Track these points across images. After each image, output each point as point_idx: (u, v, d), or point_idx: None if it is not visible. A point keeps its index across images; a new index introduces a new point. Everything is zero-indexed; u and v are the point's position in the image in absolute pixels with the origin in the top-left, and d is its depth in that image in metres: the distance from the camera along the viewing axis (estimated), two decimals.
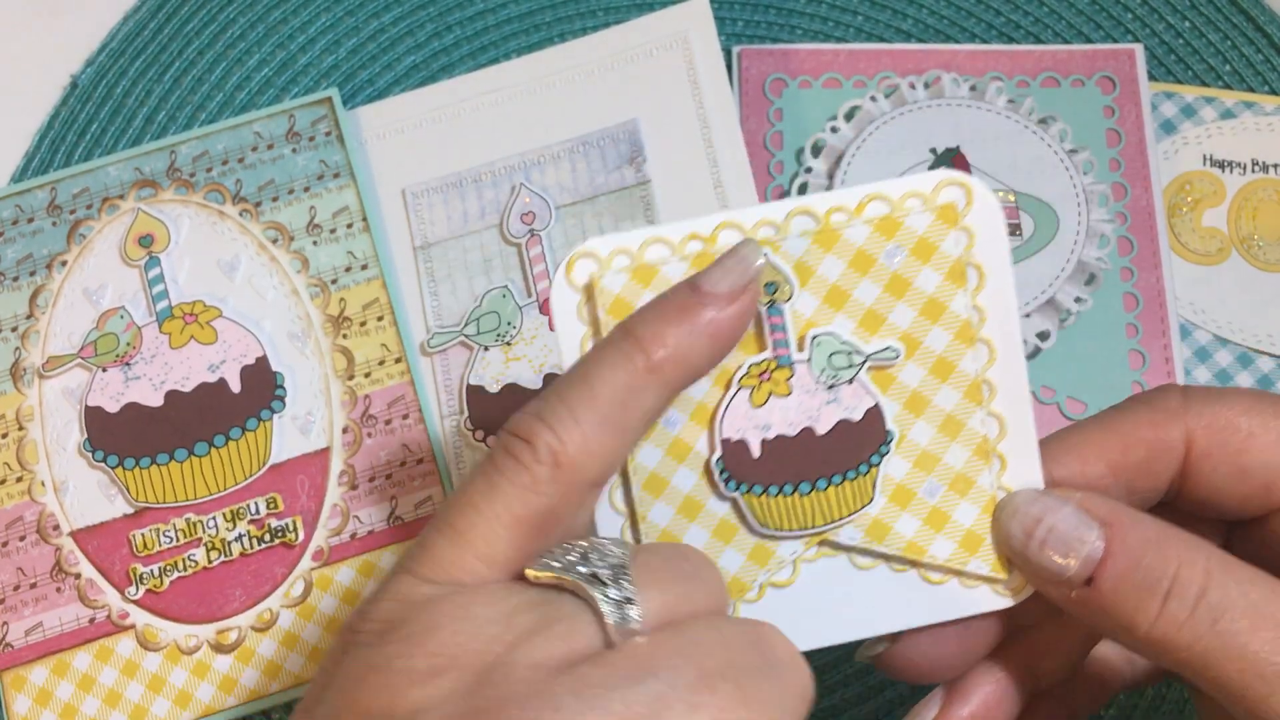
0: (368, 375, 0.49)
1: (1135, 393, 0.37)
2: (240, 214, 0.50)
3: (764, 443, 0.31)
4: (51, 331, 0.50)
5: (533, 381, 0.49)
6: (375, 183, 0.51)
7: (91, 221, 0.51)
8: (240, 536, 0.48)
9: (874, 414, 0.31)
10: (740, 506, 0.32)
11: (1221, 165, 0.51)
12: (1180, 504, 0.32)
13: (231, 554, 0.48)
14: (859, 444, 0.31)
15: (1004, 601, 0.32)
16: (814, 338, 0.31)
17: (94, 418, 0.49)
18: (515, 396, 0.48)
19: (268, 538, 0.48)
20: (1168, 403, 0.32)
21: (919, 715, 0.34)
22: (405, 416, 0.49)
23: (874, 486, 0.32)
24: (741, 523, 0.32)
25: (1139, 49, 0.52)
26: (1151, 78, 0.53)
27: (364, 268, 0.50)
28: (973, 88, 0.52)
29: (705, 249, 0.31)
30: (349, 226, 0.50)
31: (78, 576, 0.48)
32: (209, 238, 0.50)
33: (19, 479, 0.49)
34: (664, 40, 0.52)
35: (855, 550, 0.32)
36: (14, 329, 0.50)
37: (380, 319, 0.49)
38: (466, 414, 0.49)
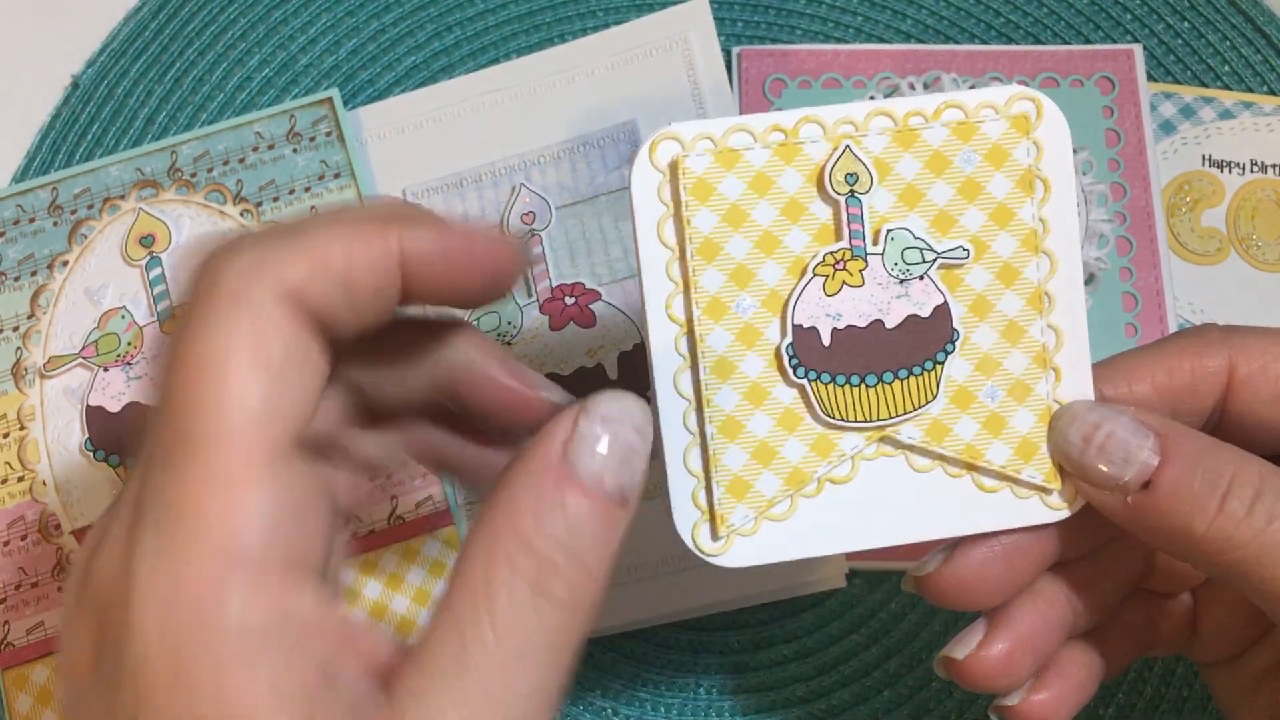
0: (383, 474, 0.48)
1: None
2: (241, 214, 0.50)
3: (834, 332, 0.32)
4: (53, 331, 0.50)
5: None
6: (376, 183, 0.51)
7: (93, 221, 0.51)
8: None
9: (941, 312, 0.32)
10: (808, 394, 0.32)
11: (1220, 165, 0.51)
12: (1222, 432, 0.33)
13: None
14: (926, 340, 0.32)
15: (1056, 514, 0.33)
16: (888, 232, 0.32)
17: (95, 417, 0.49)
18: None
19: None
20: (1210, 334, 0.33)
21: (963, 641, 0.34)
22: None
23: (938, 385, 0.32)
24: (807, 411, 0.32)
25: (1138, 49, 0.52)
26: (1150, 78, 0.53)
27: None
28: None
29: (787, 140, 0.32)
30: None
31: None
32: (210, 238, 0.50)
33: (20, 478, 0.49)
34: (664, 41, 0.52)
35: (914, 450, 0.32)
36: (15, 329, 0.50)
37: None
38: None
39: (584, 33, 0.54)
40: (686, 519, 0.32)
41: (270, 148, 0.51)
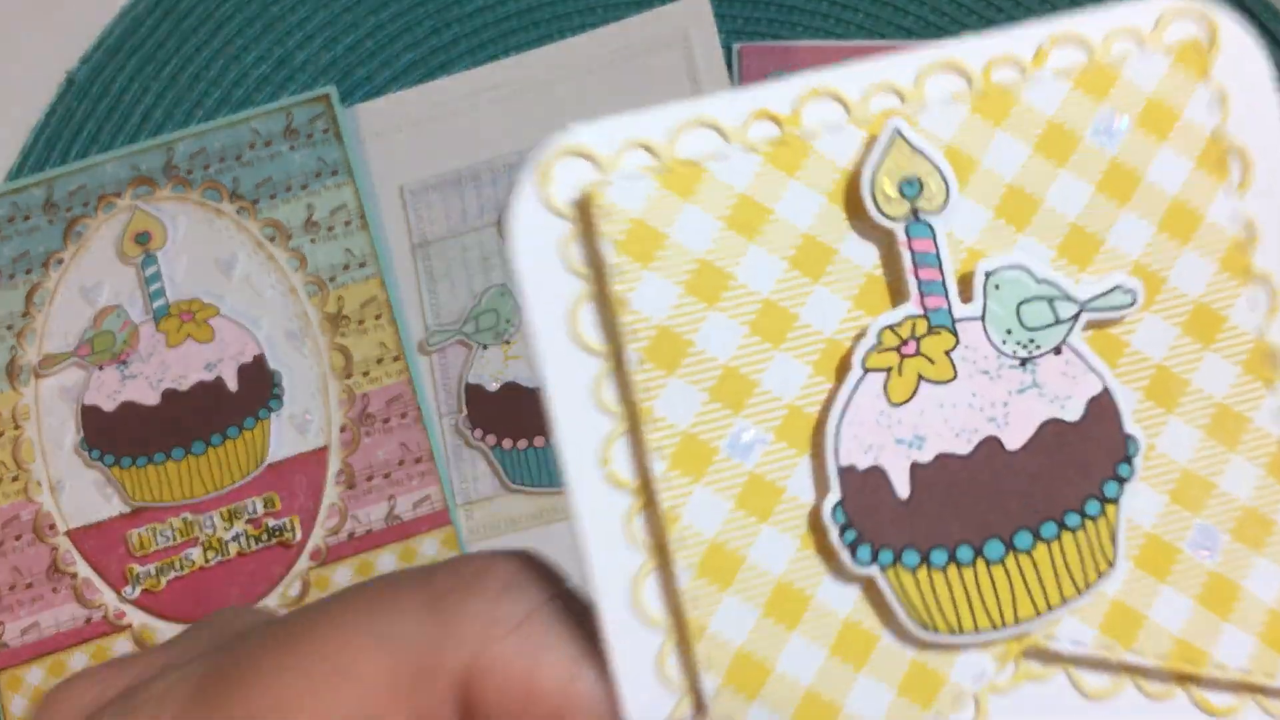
0: (366, 374, 0.49)
1: None
2: (238, 212, 0.50)
3: (915, 469, 0.17)
4: (48, 330, 0.50)
5: (532, 380, 0.47)
6: (373, 180, 0.51)
7: (88, 219, 0.51)
8: (237, 536, 0.48)
9: (1102, 407, 0.18)
10: (882, 591, 0.17)
11: None
12: None
13: (229, 553, 0.48)
14: (1081, 464, 0.18)
15: None
16: (989, 276, 0.17)
17: (90, 417, 0.49)
18: (514, 395, 0.48)
19: (265, 537, 0.48)
20: None
21: None
22: (404, 415, 0.49)
23: (1114, 541, 0.18)
24: (884, 624, 0.17)
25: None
26: None
27: (362, 265, 0.49)
28: None
29: (786, 134, 0.17)
30: (347, 224, 0.50)
31: (74, 576, 0.48)
32: (206, 236, 0.50)
33: (15, 478, 0.49)
34: (664, 38, 0.51)
35: (1084, 662, 0.18)
36: (10, 327, 0.50)
37: (378, 317, 0.49)
38: (465, 413, 0.48)
39: (583, 29, 0.53)
40: None
41: (267, 145, 0.51)
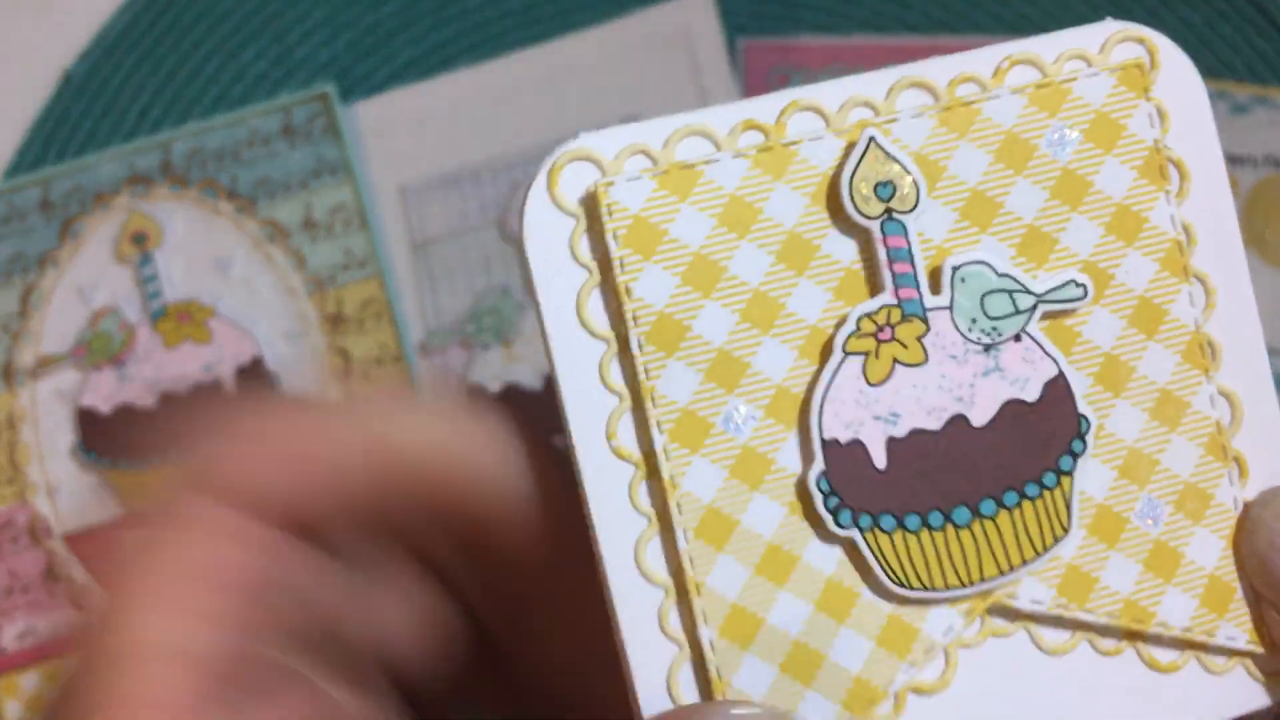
0: (365, 375, 0.49)
1: None
2: (236, 211, 0.50)
3: (892, 443, 0.19)
4: (44, 331, 0.49)
5: (533, 382, 0.48)
6: (373, 179, 0.50)
7: (84, 219, 0.50)
8: None
9: (1058, 389, 0.20)
10: (862, 553, 0.19)
11: (1234, 161, 0.49)
12: None
13: None
14: (1040, 440, 0.20)
15: (1276, 690, 0.20)
16: (956, 270, 0.19)
17: (87, 419, 0.48)
18: (516, 396, 0.47)
19: None
20: None
21: None
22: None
23: (1069, 510, 0.20)
24: (864, 581, 0.19)
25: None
26: None
27: (361, 265, 0.49)
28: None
29: (771, 141, 0.19)
30: (346, 223, 0.49)
31: (70, 581, 0.48)
32: (203, 235, 0.49)
33: (10, 481, 0.49)
34: (666, 34, 0.51)
35: (1043, 620, 0.20)
36: (5, 328, 0.49)
37: (378, 317, 0.49)
38: None
39: (585, 26, 0.52)
40: None
41: (265, 143, 0.50)
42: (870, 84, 0.20)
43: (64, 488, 0.49)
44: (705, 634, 0.19)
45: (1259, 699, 0.20)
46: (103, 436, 0.48)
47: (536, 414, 0.21)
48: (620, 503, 0.19)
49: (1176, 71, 0.21)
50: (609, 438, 0.19)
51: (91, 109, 0.54)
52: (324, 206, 0.50)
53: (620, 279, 0.19)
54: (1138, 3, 0.52)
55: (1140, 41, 0.21)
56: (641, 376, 0.19)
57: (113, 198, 0.50)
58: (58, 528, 0.48)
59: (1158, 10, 0.52)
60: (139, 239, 0.50)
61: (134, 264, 0.50)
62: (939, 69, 0.20)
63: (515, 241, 0.20)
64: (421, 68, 0.53)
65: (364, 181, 0.50)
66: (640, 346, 0.19)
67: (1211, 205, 0.21)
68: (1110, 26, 0.21)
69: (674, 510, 0.19)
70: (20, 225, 0.51)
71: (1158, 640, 0.20)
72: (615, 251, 0.19)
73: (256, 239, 0.50)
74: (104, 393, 0.49)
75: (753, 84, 0.51)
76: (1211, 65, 0.51)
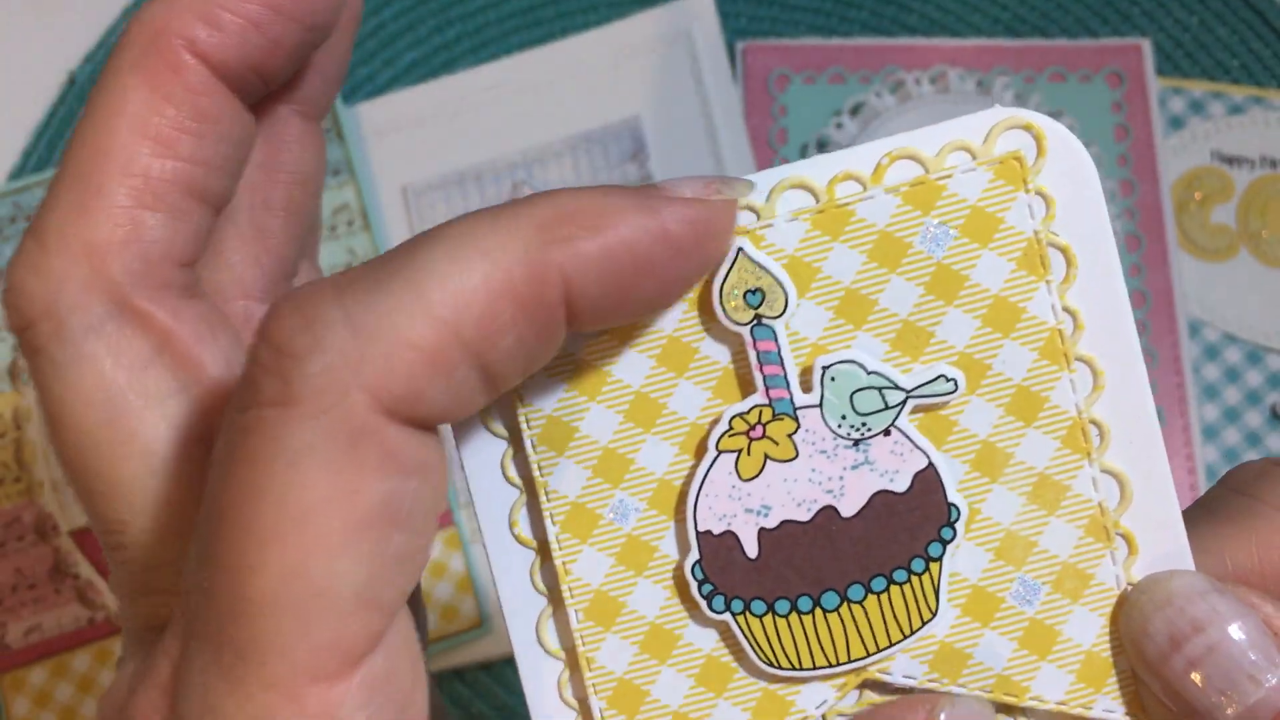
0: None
1: None
2: None
3: (763, 534, 0.21)
4: None
5: None
6: (376, 180, 0.51)
7: None
8: None
9: (927, 479, 0.21)
10: (735, 634, 0.21)
11: (1230, 161, 0.51)
12: None
13: None
14: (908, 528, 0.21)
15: None
16: (825, 369, 0.21)
17: None
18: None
19: None
20: None
21: None
22: None
23: (936, 593, 0.21)
24: (739, 660, 0.21)
25: (1146, 44, 0.52)
26: (1159, 73, 0.52)
27: None
28: (979, 83, 0.51)
29: None
30: (349, 224, 0.50)
31: (76, 577, 0.48)
32: None
33: (17, 479, 0.49)
34: (667, 36, 0.51)
35: (915, 692, 0.21)
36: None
37: None
38: None
39: (586, 28, 0.53)
40: None
41: None
42: (754, 185, 0.21)
43: (70, 485, 0.47)
44: (595, 704, 0.21)
45: None
46: None
47: None
48: (523, 583, 0.21)
49: (1064, 156, 0.21)
50: (511, 525, 0.21)
51: None
52: (328, 207, 0.50)
53: (519, 393, 0.21)
54: (1135, 5, 0.52)
55: (1027, 129, 0.21)
56: (535, 473, 0.21)
57: None
58: (64, 525, 0.49)
59: (1154, 13, 0.53)
60: None
61: None
62: (819, 168, 0.21)
63: None
64: (424, 69, 0.54)
65: (367, 182, 0.51)
66: (534, 447, 0.21)
67: (1101, 287, 0.21)
68: (997, 114, 0.21)
69: (566, 593, 0.21)
70: (25, 226, 0.48)
71: (1034, 714, 0.21)
72: None
73: None
74: None
75: (752, 85, 0.52)
76: (1209, 67, 0.52)
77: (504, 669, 0.47)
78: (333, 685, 0.17)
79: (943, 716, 0.20)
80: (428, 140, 0.51)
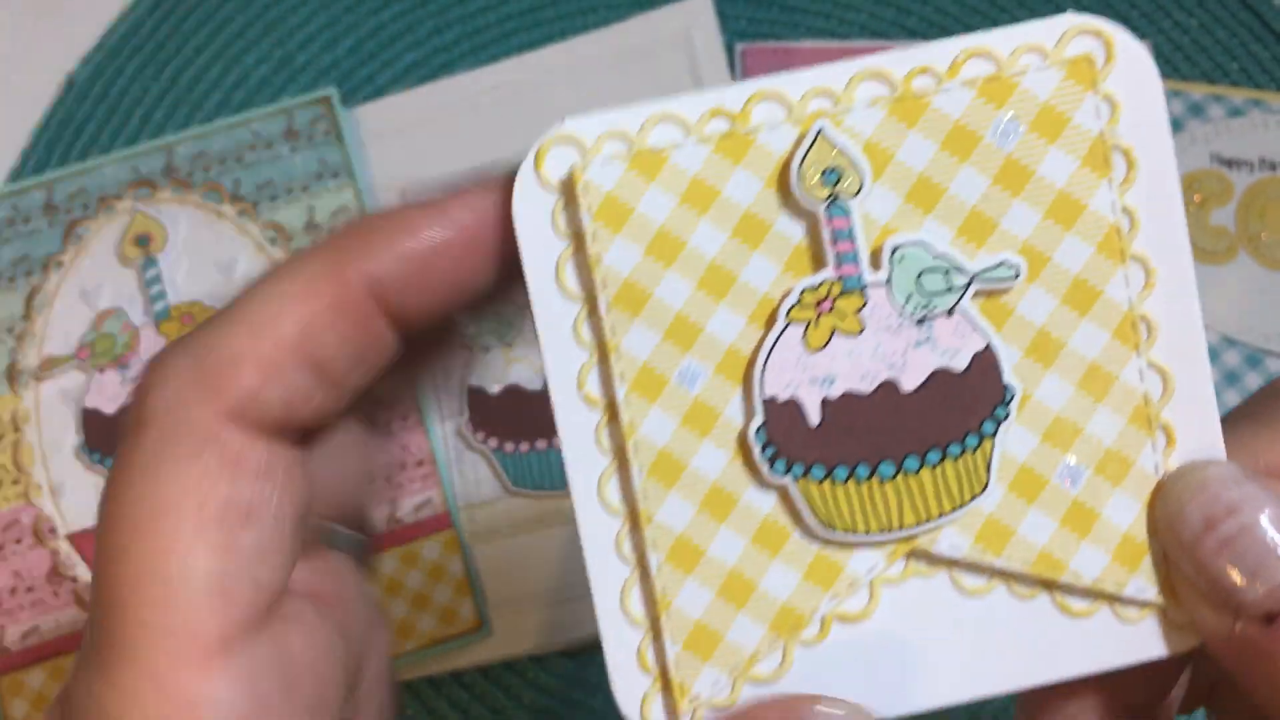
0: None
1: None
2: (238, 214, 0.50)
3: (826, 403, 0.22)
4: (48, 333, 0.50)
5: (534, 383, 0.48)
6: (374, 182, 0.51)
7: (88, 221, 0.51)
8: None
9: (985, 361, 0.22)
10: (793, 497, 0.22)
11: (1229, 164, 0.51)
12: None
13: None
14: (964, 405, 0.22)
15: (1179, 642, 0.22)
16: (895, 250, 0.22)
17: (91, 420, 0.49)
18: (516, 398, 0.48)
19: None
20: None
21: None
22: (405, 418, 0.48)
23: (988, 468, 0.22)
24: (795, 523, 0.22)
25: (1146, 46, 0.49)
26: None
27: None
28: None
29: (735, 129, 0.22)
30: None
31: (74, 580, 0.48)
32: (207, 238, 0.50)
33: (15, 481, 0.49)
34: (666, 38, 0.51)
35: (961, 566, 0.22)
36: (9, 330, 0.50)
37: None
38: (467, 415, 0.48)
39: (585, 29, 0.53)
40: (631, 688, 0.22)
41: (268, 146, 0.51)
42: (832, 75, 0.22)
43: (68, 488, 0.49)
44: (654, 559, 0.22)
45: (1165, 648, 0.22)
46: (107, 437, 0.48)
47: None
48: (587, 442, 0.22)
49: (1132, 64, 0.22)
50: (579, 386, 0.22)
51: (95, 113, 0.54)
52: (326, 209, 0.50)
53: (592, 250, 0.22)
54: (1134, 7, 0.53)
55: (1097, 35, 0.22)
56: (608, 335, 0.22)
57: (116, 201, 0.51)
58: (62, 528, 0.49)
59: (1154, 16, 0.53)
60: (142, 241, 0.50)
61: (138, 266, 0.50)
62: (898, 61, 0.22)
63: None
64: (423, 71, 0.54)
65: (366, 184, 0.51)
66: (607, 309, 0.22)
67: (1158, 190, 0.22)
68: (1069, 20, 0.22)
69: (631, 452, 0.22)
70: (25, 228, 0.51)
71: (1070, 590, 0.22)
72: (588, 225, 0.22)
73: (259, 242, 0.50)
74: (108, 394, 0.49)
75: None
76: (1208, 69, 0.52)
77: (502, 672, 0.46)
78: (198, 671, 0.19)
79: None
80: (427, 142, 0.51)
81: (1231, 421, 0.23)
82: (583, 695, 0.46)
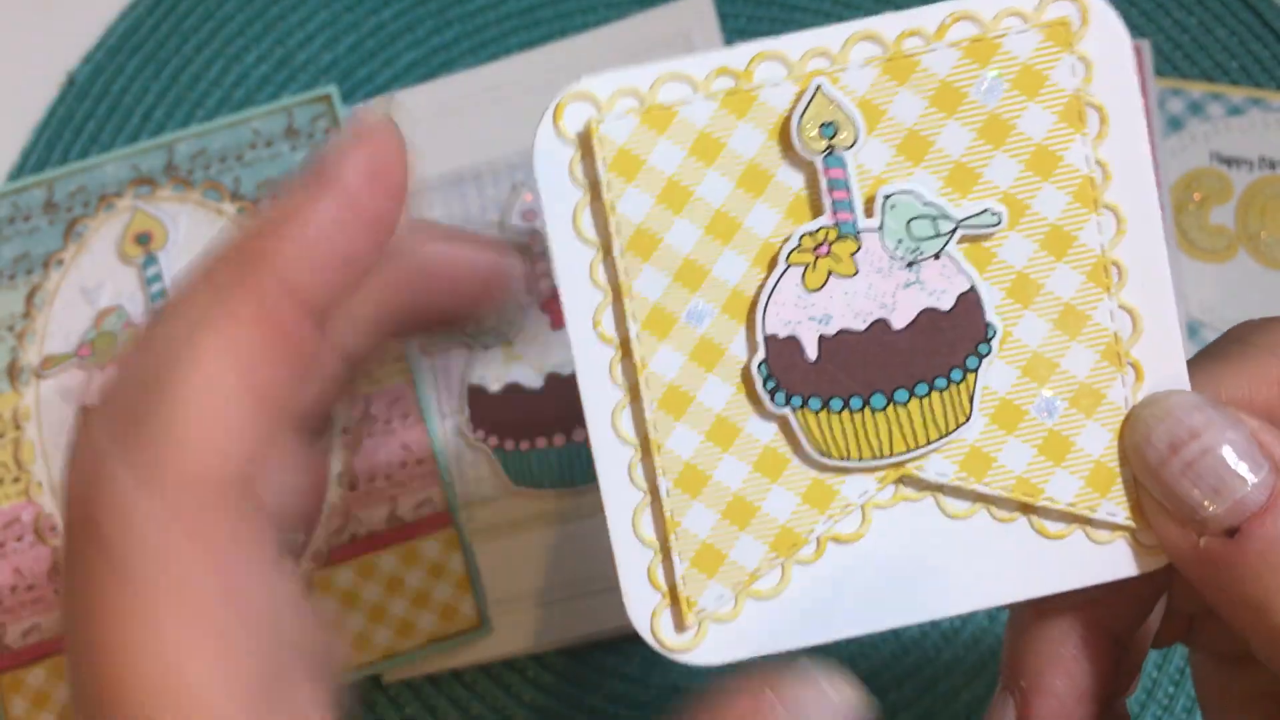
0: (367, 375, 0.47)
1: None
2: (239, 212, 0.50)
3: (822, 340, 0.23)
4: (48, 331, 0.50)
5: (534, 381, 0.48)
6: None
7: (88, 220, 0.51)
8: None
9: (969, 301, 0.23)
10: (792, 427, 0.23)
11: (1229, 162, 0.51)
12: None
13: None
14: (950, 342, 0.23)
15: (1148, 562, 0.24)
16: (887, 198, 0.23)
17: None
18: (516, 396, 0.47)
19: None
20: None
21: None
22: (405, 416, 0.48)
23: (971, 401, 0.24)
24: (794, 451, 0.24)
25: (1145, 45, 0.51)
26: (1158, 74, 0.52)
27: None
28: None
29: (739, 86, 0.23)
30: None
31: None
32: (207, 236, 0.49)
33: (16, 479, 0.49)
34: (666, 37, 0.51)
35: (947, 490, 0.24)
36: (10, 328, 0.50)
37: None
38: (467, 413, 0.47)
39: (585, 29, 0.53)
40: (642, 604, 0.24)
41: (268, 145, 0.51)
42: (829, 36, 0.24)
43: None
44: (663, 484, 0.24)
45: (1134, 567, 0.24)
46: None
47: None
48: (602, 377, 0.24)
49: (1105, 28, 0.24)
50: (595, 325, 0.24)
51: (95, 111, 0.54)
52: None
53: (607, 198, 0.23)
54: (1134, 6, 0.53)
55: (1074, 0, 0.24)
56: (622, 277, 0.24)
57: (117, 199, 0.51)
58: (62, 525, 0.48)
59: (1153, 14, 0.53)
60: (143, 239, 0.50)
61: (138, 264, 0.50)
62: (889, 23, 0.24)
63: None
64: (423, 70, 0.54)
65: None
66: (621, 253, 0.24)
67: (1128, 145, 0.24)
68: None
69: (643, 385, 0.24)
70: (25, 226, 0.51)
71: (1046, 513, 0.24)
72: (603, 175, 0.23)
73: None
74: None
75: None
76: (1207, 68, 0.52)
77: (503, 670, 0.46)
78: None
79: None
80: (426, 140, 0.50)
81: (1195, 362, 0.25)
82: (583, 693, 0.46)
